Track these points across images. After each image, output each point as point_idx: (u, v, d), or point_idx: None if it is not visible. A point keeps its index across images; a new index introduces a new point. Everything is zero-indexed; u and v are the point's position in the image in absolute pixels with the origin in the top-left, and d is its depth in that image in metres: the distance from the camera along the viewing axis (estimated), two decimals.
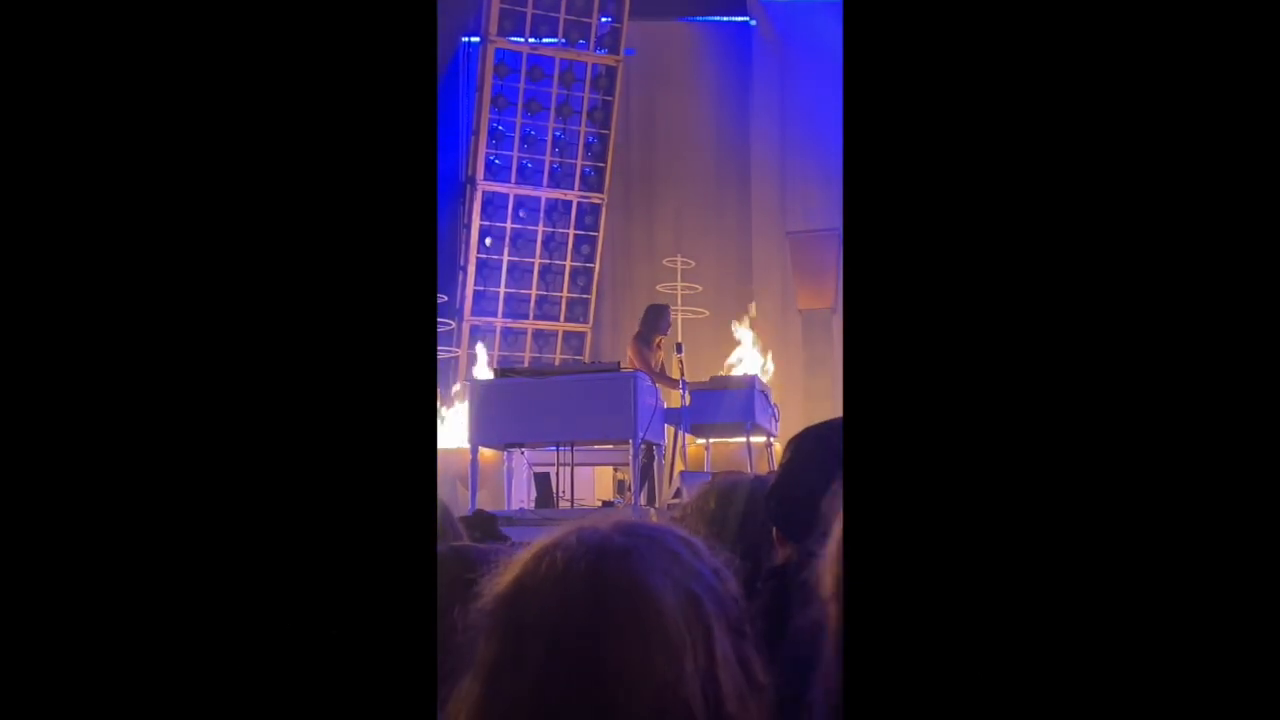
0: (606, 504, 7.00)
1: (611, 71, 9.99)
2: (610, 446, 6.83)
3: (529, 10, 9.65)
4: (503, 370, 6.99)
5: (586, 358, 9.82)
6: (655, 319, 7.30)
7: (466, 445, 6.39)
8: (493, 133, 9.72)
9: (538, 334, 9.99)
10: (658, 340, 7.21)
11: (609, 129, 10.00)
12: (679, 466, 6.72)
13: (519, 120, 9.78)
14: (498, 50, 9.65)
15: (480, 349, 8.93)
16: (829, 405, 7.54)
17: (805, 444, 1.34)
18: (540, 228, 9.90)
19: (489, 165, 9.71)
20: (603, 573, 0.83)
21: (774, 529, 1.40)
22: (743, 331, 8.28)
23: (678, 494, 6.12)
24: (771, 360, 8.14)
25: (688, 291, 9.03)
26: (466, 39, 9.87)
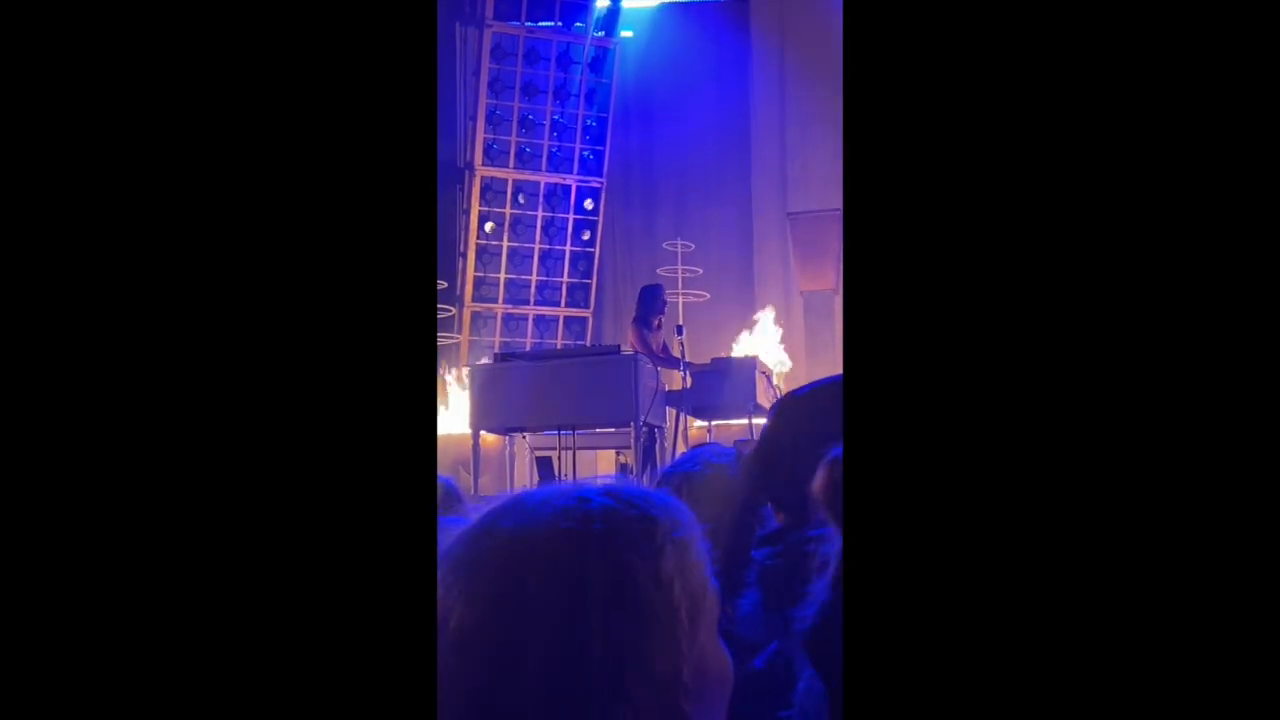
0: None
1: (609, 54, 9.95)
2: (612, 430, 6.83)
3: None
4: (503, 355, 6.98)
5: (588, 342, 9.82)
6: (650, 300, 7.26)
7: (468, 430, 6.39)
8: (490, 117, 9.69)
9: (539, 319, 9.99)
10: (657, 321, 7.17)
11: (607, 112, 9.97)
12: (680, 449, 6.72)
13: (516, 104, 9.75)
14: (494, 34, 9.62)
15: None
16: None
17: (788, 409, 1.32)
18: (540, 212, 9.88)
19: (487, 150, 9.69)
20: (479, 553, 0.84)
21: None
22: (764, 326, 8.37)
23: None
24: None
25: (688, 274, 9.01)
26: (462, 24, 9.84)
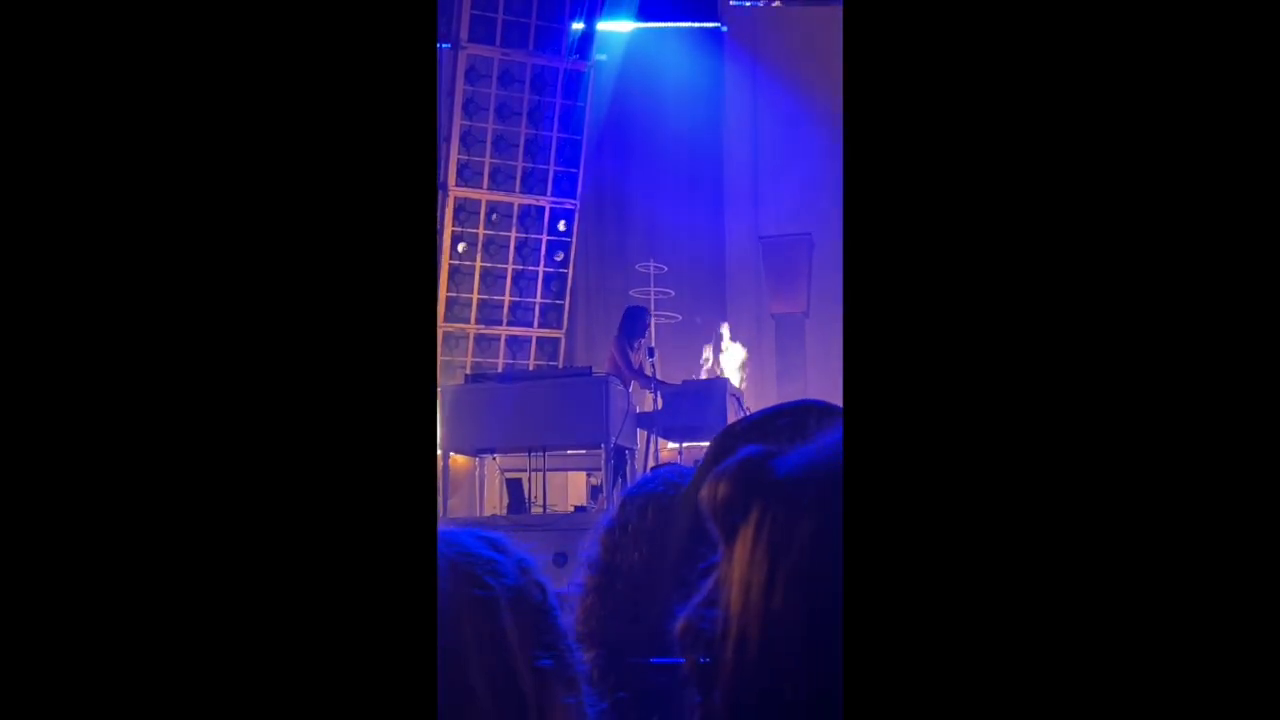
0: (579, 509, 6.99)
1: (583, 77, 10.00)
2: (583, 451, 6.82)
3: (500, 16, 9.66)
4: (475, 376, 6.97)
5: (561, 363, 9.82)
6: (634, 320, 7.30)
7: (438, 451, 6.37)
8: (464, 138, 9.71)
9: (511, 340, 9.98)
10: (638, 343, 7.21)
11: (581, 134, 10.01)
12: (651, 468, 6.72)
13: (490, 126, 9.77)
14: (469, 56, 9.64)
15: None
16: None
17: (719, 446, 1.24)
18: (513, 233, 9.89)
19: (461, 171, 9.70)
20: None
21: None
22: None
23: None
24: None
25: (660, 296, 9.04)
26: (438, 45, 9.86)
